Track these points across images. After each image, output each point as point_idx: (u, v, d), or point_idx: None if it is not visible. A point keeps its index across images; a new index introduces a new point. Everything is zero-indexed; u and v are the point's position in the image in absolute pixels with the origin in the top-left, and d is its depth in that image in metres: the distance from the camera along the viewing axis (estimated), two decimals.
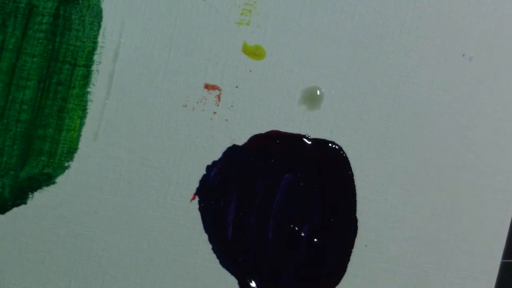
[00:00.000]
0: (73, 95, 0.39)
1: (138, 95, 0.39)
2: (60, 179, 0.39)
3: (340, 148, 0.41)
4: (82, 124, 0.39)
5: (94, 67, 0.39)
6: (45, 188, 0.39)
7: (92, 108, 0.39)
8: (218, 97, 0.40)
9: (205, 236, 0.40)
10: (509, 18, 0.41)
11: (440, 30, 0.41)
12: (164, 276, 0.40)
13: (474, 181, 0.41)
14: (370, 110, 0.41)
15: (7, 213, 0.39)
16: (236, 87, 0.40)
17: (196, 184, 0.40)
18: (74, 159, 0.39)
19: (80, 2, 0.39)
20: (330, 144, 0.40)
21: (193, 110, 0.40)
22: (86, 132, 0.39)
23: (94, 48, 0.39)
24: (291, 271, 0.41)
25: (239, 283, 0.40)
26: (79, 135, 0.39)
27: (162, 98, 0.39)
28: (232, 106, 0.40)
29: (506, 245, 0.41)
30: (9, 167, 0.39)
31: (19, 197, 0.39)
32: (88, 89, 0.39)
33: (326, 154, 0.40)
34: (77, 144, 0.39)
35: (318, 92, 0.40)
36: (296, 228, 0.40)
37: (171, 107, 0.39)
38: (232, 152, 0.40)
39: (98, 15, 0.39)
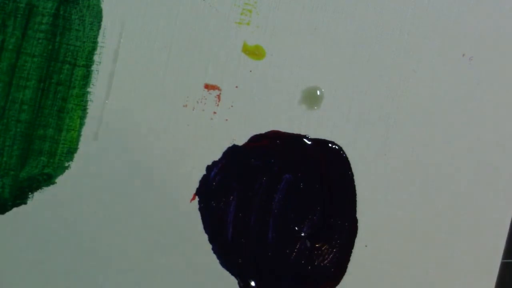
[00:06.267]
0: (73, 95, 0.39)
1: (138, 95, 0.39)
2: (60, 179, 0.39)
3: (340, 148, 0.41)
4: (82, 124, 0.39)
5: (94, 67, 0.39)
6: (45, 188, 0.39)
7: (92, 108, 0.39)
8: (218, 97, 0.40)
9: (205, 236, 0.40)
10: (509, 18, 0.41)
11: (440, 30, 0.41)
12: (164, 276, 0.40)
13: (474, 181, 0.41)
14: (370, 110, 0.41)
15: (7, 213, 0.39)
16: (236, 87, 0.40)
17: (196, 184, 0.40)
18: (74, 159, 0.39)
19: (80, 2, 0.39)
20: (330, 144, 0.40)
21: (193, 110, 0.40)
22: (86, 132, 0.39)
23: (94, 48, 0.39)
24: (291, 271, 0.41)
25: (239, 283, 0.40)
26: (79, 135, 0.39)
27: (162, 98, 0.39)
28: (232, 106, 0.40)
29: (506, 245, 0.41)
30: (9, 167, 0.39)
31: (19, 197, 0.39)
32: (88, 89, 0.39)
33: (326, 154, 0.40)
34: (77, 144, 0.39)
35: (318, 92, 0.40)
36: (296, 228, 0.40)
37: (171, 107, 0.39)
38: (232, 152, 0.40)
39: (98, 15, 0.39)
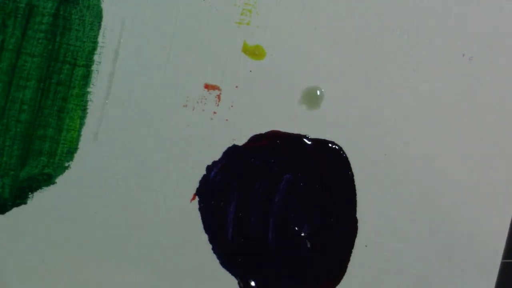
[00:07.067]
0: (73, 95, 0.39)
1: (138, 95, 0.39)
2: (60, 179, 0.39)
3: (340, 148, 0.41)
4: (82, 124, 0.39)
5: (94, 67, 0.39)
6: (45, 188, 0.39)
7: (92, 108, 0.39)
8: (218, 97, 0.40)
9: (205, 236, 0.40)
10: (509, 18, 0.41)
11: (440, 30, 0.41)
12: (164, 276, 0.40)
13: (474, 181, 0.41)
14: (370, 110, 0.41)
15: (7, 213, 0.39)
16: (236, 87, 0.40)
17: (196, 184, 0.40)
18: (74, 159, 0.39)
19: (80, 2, 0.39)
20: (330, 144, 0.40)
21: (193, 110, 0.40)
22: (86, 132, 0.39)
23: (94, 48, 0.39)
24: (291, 271, 0.41)
25: (239, 283, 0.40)
26: (79, 135, 0.39)
27: (162, 98, 0.39)
28: (232, 106, 0.40)
29: (506, 245, 0.41)
30: (9, 167, 0.39)
31: (19, 197, 0.39)
32: (88, 89, 0.39)
33: (326, 154, 0.40)
34: (77, 144, 0.39)
35: (318, 92, 0.40)
36: (296, 228, 0.40)
37: (171, 107, 0.39)
38: (232, 152, 0.40)
39: (98, 15, 0.39)
